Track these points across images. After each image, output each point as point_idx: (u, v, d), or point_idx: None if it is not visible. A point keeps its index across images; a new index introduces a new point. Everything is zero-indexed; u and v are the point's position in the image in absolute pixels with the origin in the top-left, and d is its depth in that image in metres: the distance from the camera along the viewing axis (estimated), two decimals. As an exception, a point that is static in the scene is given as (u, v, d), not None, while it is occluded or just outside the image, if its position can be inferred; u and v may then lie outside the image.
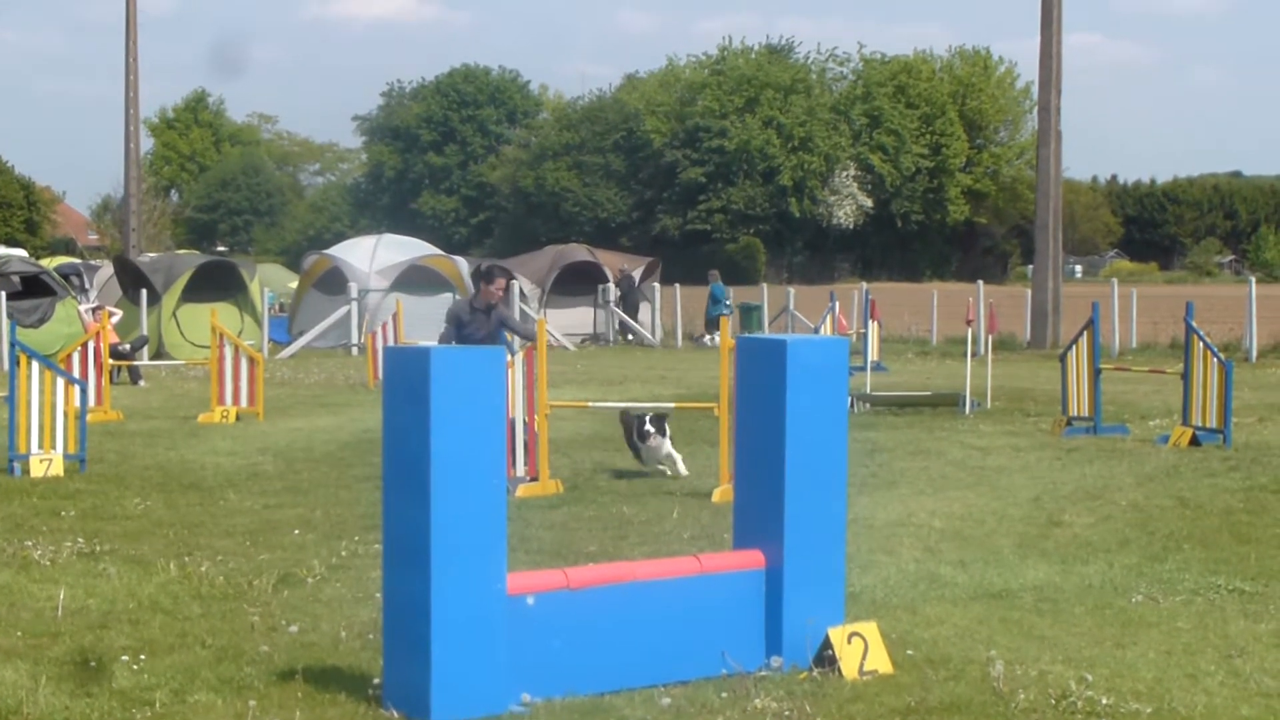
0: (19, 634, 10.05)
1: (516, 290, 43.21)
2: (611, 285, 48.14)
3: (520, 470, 16.33)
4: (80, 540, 13.50)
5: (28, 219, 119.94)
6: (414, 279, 43.75)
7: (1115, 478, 16.95)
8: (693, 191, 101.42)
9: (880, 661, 8.94)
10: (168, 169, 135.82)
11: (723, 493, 15.28)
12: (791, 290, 48.33)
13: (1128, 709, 8.24)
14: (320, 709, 8.26)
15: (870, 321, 32.76)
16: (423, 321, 37.55)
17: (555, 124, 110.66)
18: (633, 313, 48.10)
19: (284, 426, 23.23)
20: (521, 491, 15.79)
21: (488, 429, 8.32)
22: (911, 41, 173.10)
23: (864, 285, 48.97)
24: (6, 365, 28.85)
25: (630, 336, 47.41)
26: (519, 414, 16.38)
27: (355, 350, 41.29)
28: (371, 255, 44.98)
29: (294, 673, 8.89)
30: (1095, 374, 21.21)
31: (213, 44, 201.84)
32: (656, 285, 49.67)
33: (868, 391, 25.66)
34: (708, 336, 47.08)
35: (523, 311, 35.70)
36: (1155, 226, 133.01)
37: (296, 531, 14.05)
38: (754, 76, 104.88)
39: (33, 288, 39.00)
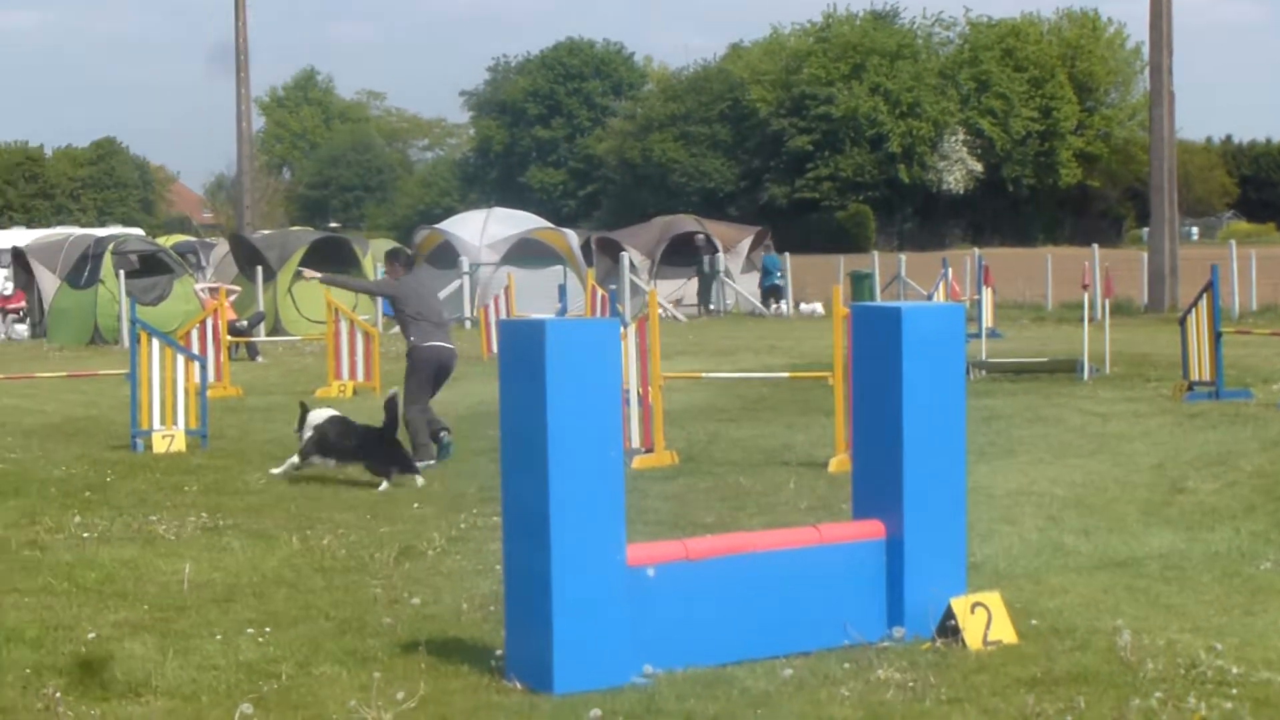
0: (146, 607, 10.17)
1: (626, 261, 43.21)
2: (721, 255, 48.00)
3: (636, 442, 16.34)
4: (204, 515, 13.65)
5: (143, 198, 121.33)
6: (524, 252, 43.84)
7: (1239, 443, 16.72)
8: (800, 160, 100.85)
9: (1004, 632, 8.87)
10: (279, 147, 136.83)
11: (839, 462, 15.22)
12: (903, 257, 48.06)
13: (1258, 678, 8.12)
14: (443, 680, 8.30)
15: (984, 287, 32.51)
16: (534, 294, 37.66)
17: (660, 95, 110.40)
18: (711, 285, 47.86)
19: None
20: (637, 463, 15.81)
21: (603, 400, 8.32)
22: (1018, 4, 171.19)
23: (976, 251, 48.70)
24: (127, 343, 29.20)
25: (712, 306, 47.10)
26: (633, 386, 16.40)
27: (468, 324, 41.45)
28: (482, 229, 45.13)
29: (417, 644, 8.94)
30: (1216, 337, 20.94)
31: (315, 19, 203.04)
32: (777, 256, 49.62)
33: (983, 359, 25.48)
34: (772, 305, 46.97)
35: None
36: (1272, 186, 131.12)
37: (415, 505, 14.13)
38: (859, 43, 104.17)
39: (150, 266, 39.43)
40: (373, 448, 15.36)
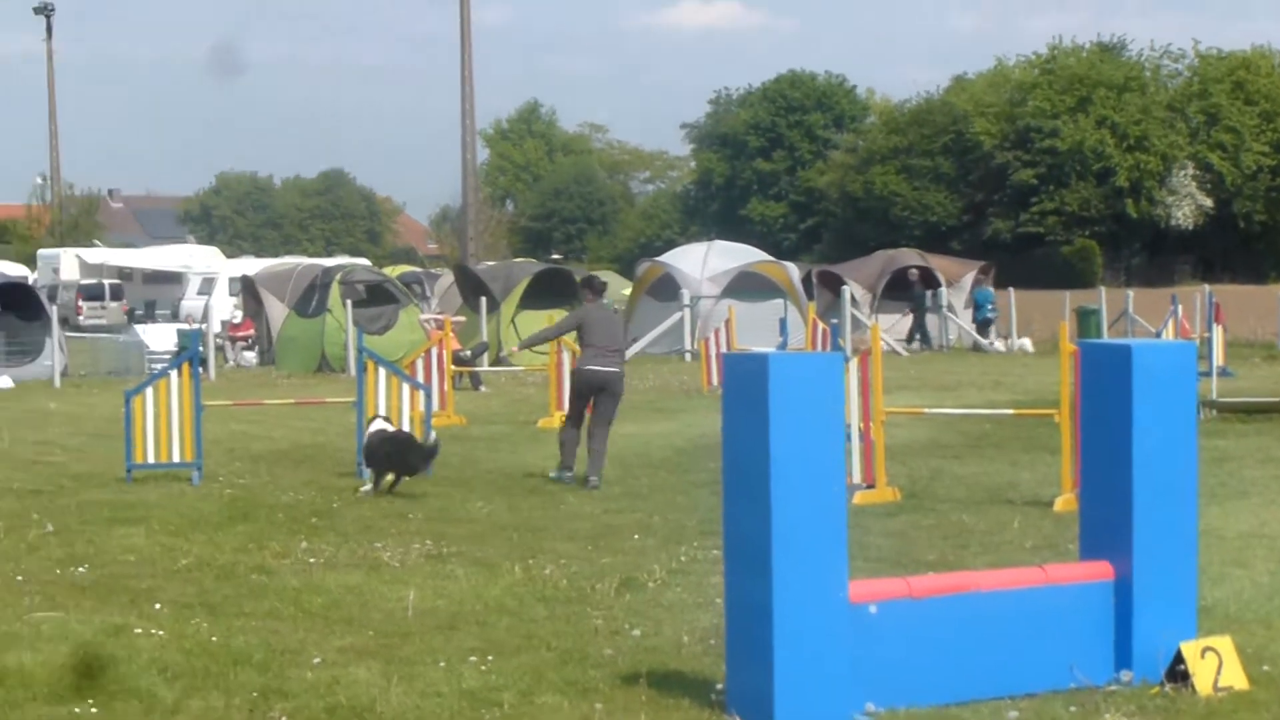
0: (371, 633, 10.34)
1: (847, 295, 43.07)
2: (944, 290, 47.63)
3: (857, 477, 16.27)
4: (428, 542, 13.83)
5: (370, 229, 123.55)
6: (744, 285, 43.84)
7: None
8: (1024, 194, 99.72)
9: (1235, 677, 8.69)
10: (503, 179, 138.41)
11: (1065, 501, 15.03)
12: (1130, 294, 47.31)
13: None
14: (664, 713, 8.32)
15: (1214, 325, 31.89)
16: (754, 327, 37.63)
17: (883, 128, 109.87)
18: (923, 320, 47.42)
19: (620, 432, 23.39)
20: (859, 499, 15.73)
21: (826, 434, 8.32)
22: (1249, 36, 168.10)
23: (1206, 288, 47.72)
24: (354, 371, 29.66)
25: (917, 341, 46.61)
26: (854, 420, 16.33)
27: (688, 356, 41.54)
28: (703, 262, 45.23)
29: (638, 676, 8.97)
30: None
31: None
32: (990, 290, 49.06)
33: (1214, 398, 24.98)
34: (986, 341, 46.42)
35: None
36: None
37: (636, 536, 14.20)
38: (1085, 75, 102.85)
39: (376, 296, 40.06)
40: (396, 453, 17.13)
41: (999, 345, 46.36)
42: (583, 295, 18.98)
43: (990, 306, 48.00)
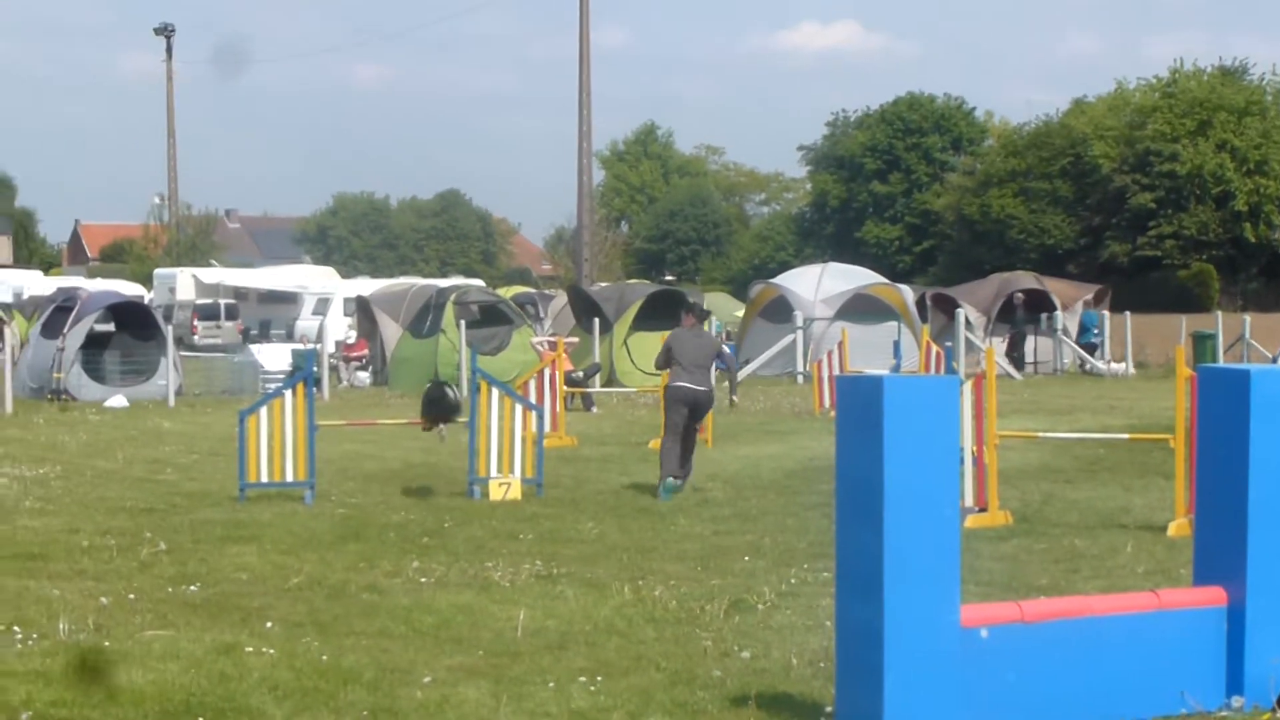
0: (480, 653, 10.39)
1: (961, 318, 42.86)
2: (1059, 313, 47.32)
3: (969, 500, 16.20)
4: (538, 562, 13.89)
5: (485, 250, 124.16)
6: (858, 307, 43.75)
7: None
8: (1142, 217, 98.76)
9: (1351, 705, 8.60)
10: (618, 200, 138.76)
11: (1179, 526, 14.92)
12: (1247, 318, 46.90)
13: None
14: (773, 735, 8.32)
15: (1334, 351, 31.53)
16: (868, 349, 37.54)
17: (1000, 150, 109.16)
18: (1019, 342, 47.07)
19: (731, 453, 23.49)
20: (970, 522, 15.66)
21: (940, 458, 8.30)
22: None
23: None
24: (468, 391, 29.86)
25: (1010, 363, 46.33)
26: (968, 444, 16.27)
27: (800, 378, 41.47)
28: (817, 284, 45.17)
29: (746, 698, 8.98)
30: None
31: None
32: (1106, 314, 48.70)
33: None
34: (1098, 364, 45.98)
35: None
36: None
37: (746, 558, 14.19)
38: (1206, 99, 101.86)
39: (490, 317, 40.26)
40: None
41: (1100, 367, 46.00)
42: (683, 318, 20.42)
43: (1095, 330, 47.64)
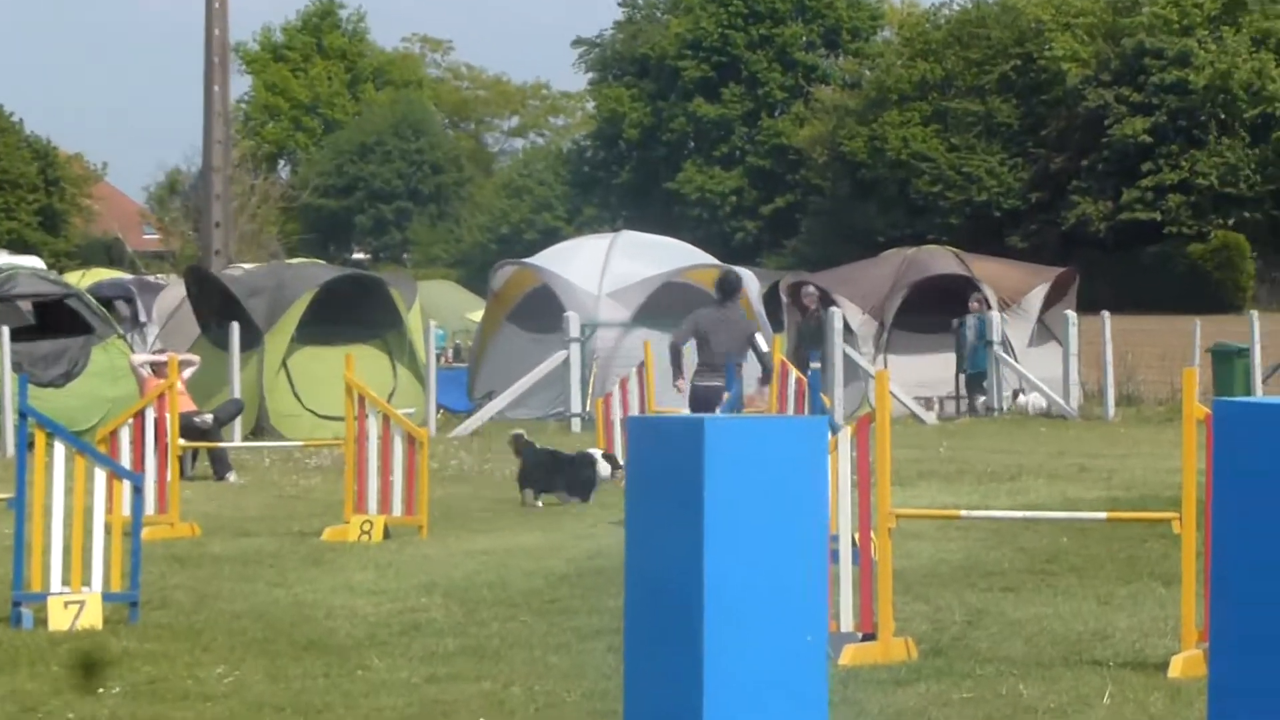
0: None
1: (839, 321, 43.26)
2: (995, 315, 47.75)
3: (848, 622, 16.37)
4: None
5: (45, 207, 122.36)
6: (670, 305, 43.87)
7: None
8: (1130, 158, 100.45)
9: None
10: (273, 127, 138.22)
11: (1187, 662, 15.16)
12: (1304, 322, 47.77)
13: None
14: None
15: None
16: (686, 374, 37.81)
17: (903, 49, 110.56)
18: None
19: (461, 548, 23.52)
20: (850, 656, 15.83)
21: (797, 550, 8.41)
22: None
23: None
24: (11, 450, 29.49)
25: (980, 403, 46.86)
26: (845, 528, 16.44)
27: (577, 422, 41.62)
28: (602, 267, 45.32)
29: None
30: None
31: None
32: (1070, 314, 49.15)
33: None
34: (980, 399, 46.69)
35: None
36: None
37: (482, 720, 14.26)
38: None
39: (55, 320, 39.74)
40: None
41: (996, 403, 46.66)
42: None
43: (985, 343, 47.27)
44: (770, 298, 46.61)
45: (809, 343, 43.72)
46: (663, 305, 43.92)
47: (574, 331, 43.32)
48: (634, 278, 44.90)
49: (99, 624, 18.22)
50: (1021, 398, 46.99)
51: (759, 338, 23.53)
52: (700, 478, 8.22)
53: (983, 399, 46.89)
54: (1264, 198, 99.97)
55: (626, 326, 43.54)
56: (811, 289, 46.28)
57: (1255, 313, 52.75)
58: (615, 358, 42.16)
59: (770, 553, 8.31)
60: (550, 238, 77.09)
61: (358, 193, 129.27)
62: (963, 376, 47.30)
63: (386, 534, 24.79)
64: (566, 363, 43.14)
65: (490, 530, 25.15)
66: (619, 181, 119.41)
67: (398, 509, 25.25)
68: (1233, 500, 9.34)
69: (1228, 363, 46.01)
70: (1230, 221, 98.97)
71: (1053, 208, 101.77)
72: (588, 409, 40.97)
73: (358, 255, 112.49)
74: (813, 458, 8.60)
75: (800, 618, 8.40)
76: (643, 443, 8.67)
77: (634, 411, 31.28)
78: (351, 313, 41.88)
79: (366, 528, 24.84)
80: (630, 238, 49.09)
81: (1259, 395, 38.96)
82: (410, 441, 25.44)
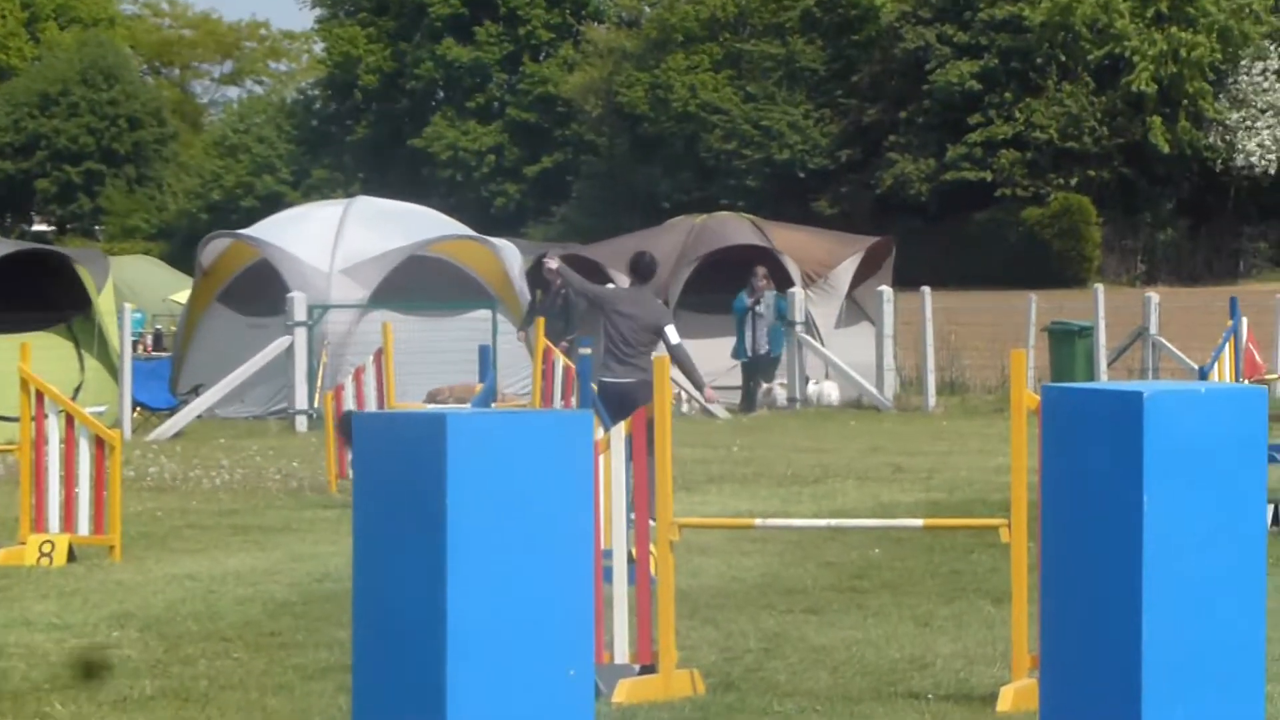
0: None
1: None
2: (797, 293, 47.95)
3: (622, 652, 16.36)
4: None
5: None
6: (416, 282, 43.91)
7: None
8: (956, 108, 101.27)
9: None
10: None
11: (1017, 693, 15.26)
12: (1153, 296, 48.13)
13: None
14: None
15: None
16: (435, 364, 37.76)
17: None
18: (759, 360, 47.45)
19: (162, 573, 23.38)
20: (624, 694, 15.83)
21: (558, 567, 8.42)
22: None
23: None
24: None
25: (763, 398, 47.02)
26: (620, 541, 16.44)
27: (303, 420, 41.55)
28: (334, 240, 45.25)
29: None
30: None
31: None
32: (886, 290, 49.35)
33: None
34: (763, 389, 46.87)
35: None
36: None
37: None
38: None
39: None
40: None
41: (780, 394, 46.86)
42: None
43: (784, 321, 47.43)
44: (534, 275, 46.52)
45: (554, 324, 43.74)
46: (406, 284, 43.90)
47: (300, 314, 43.20)
48: (372, 251, 44.85)
49: None
50: (812, 386, 47.09)
51: (670, 330, 24.15)
52: (442, 485, 8.19)
53: (767, 387, 46.95)
54: (1111, 153, 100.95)
55: (363, 308, 43.46)
56: (552, 262, 45.76)
57: (1100, 286, 53.04)
58: (349, 345, 42.09)
59: (526, 573, 8.30)
60: (272, 205, 77.06)
61: (38, 153, 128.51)
62: (742, 363, 47.42)
63: (72, 556, 24.59)
64: (290, 351, 43.02)
65: (197, 551, 25.01)
66: (354, 138, 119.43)
67: (84, 527, 25.04)
68: (1065, 503, 9.39)
69: (1067, 344, 46.32)
70: (1072, 181, 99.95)
71: (866, 167, 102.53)
72: (316, 405, 40.87)
73: (39, 227, 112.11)
74: (578, 458, 8.58)
75: (563, 649, 8.38)
76: (373, 443, 8.62)
77: (371, 407, 31.22)
78: (29, 295, 41.58)
79: (47, 549, 24.64)
80: (368, 205, 49.08)
81: (1104, 381, 39.21)
82: (100, 446, 25.22)
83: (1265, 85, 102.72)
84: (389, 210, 48.75)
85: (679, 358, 24.42)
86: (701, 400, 26.33)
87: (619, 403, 22.82)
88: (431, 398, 37.10)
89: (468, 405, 26.06)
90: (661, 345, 26.05)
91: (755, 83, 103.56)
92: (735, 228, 51.20)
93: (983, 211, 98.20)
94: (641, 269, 26.27)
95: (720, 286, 47.77)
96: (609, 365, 24.33)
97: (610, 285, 25.60)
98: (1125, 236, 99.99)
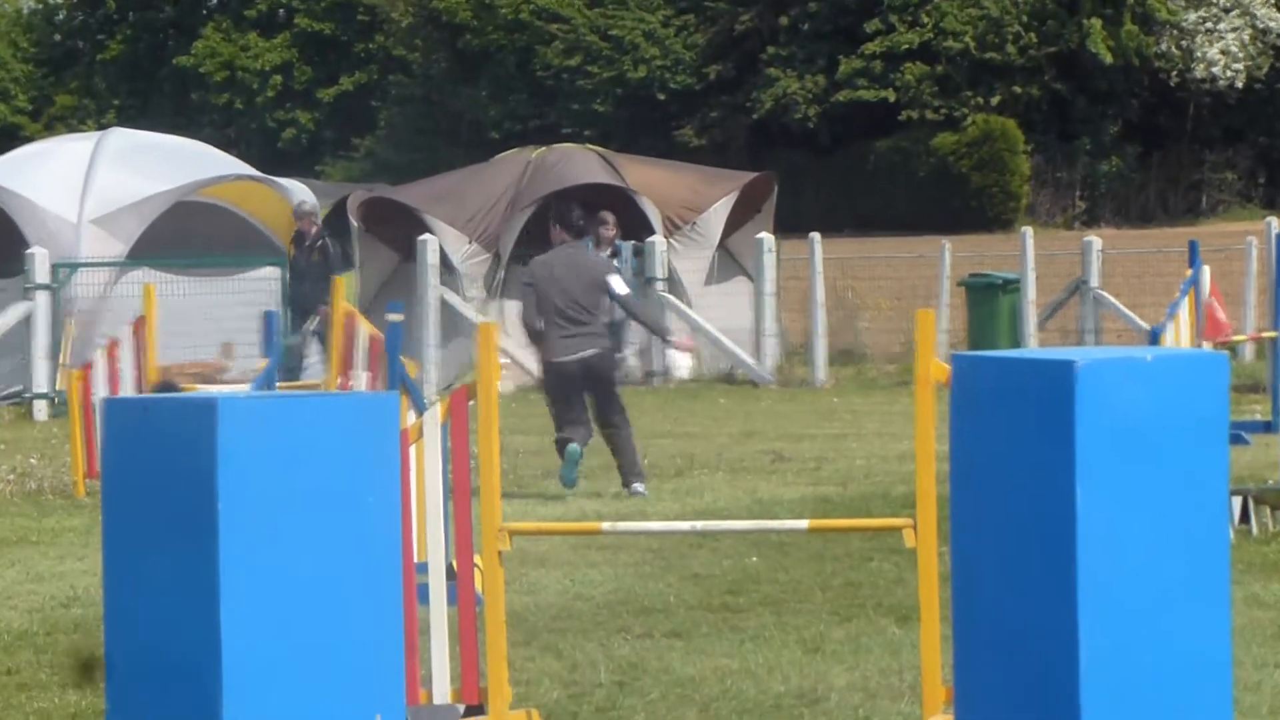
0: None
1: (430, 253, 43.37)
2: (657, 242, 48.03)
3: (442, 690, 16.40)
4: None
5: None
6: (184, 235, 43.89)
7: None
8: (850, 13, 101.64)
9: None
10: None
11: (931, 731, 15.35)
12: (1095, 241, 48.37)
13: None
14: None
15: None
16: (207, 333, 37.80)
17: None
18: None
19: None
20: (449, 738, 15.88)
21: (360, 584, 8.43)
22: None
23: (1273, 221, 48.77)
24: None
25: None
26: (434, 554, 16.46)
27: (43, 406, 41.51)
28: (83, 182, 45.20)
29: None
30: None
31: None
32: (766, 238, 49.50)
33: (1272, 483, 25.60)
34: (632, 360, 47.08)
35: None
36: None
37: None
38: None
39: None
40: None
41: (634, 366, 46.90)
42: (551, 232, 26.20)
43: (647, 278, 47.53)
44: (335, 221, 46.50)
45: (303, 285, 43.65)
46: (173, 236, 43.85)
47: (41, 275, 43.15)
48: (131, 197, 44.81)
49: None
50: (671, 354, 47.09)
51: (615, 280, 24.70)
52: (212, 485, 8.20)
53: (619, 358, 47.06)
54: (1041, 65, 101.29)
55: (120, 266, 43.39)
56: (307, 204, 45.35)
57: (1029, 229, 53.24)
58: (103, 312, 42.04)
59: (320, 593, 8.33)
60: (6, 140, 76.88)
61: None
62: None
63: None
64: (29, 320, 42.97)
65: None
66: (107, 56, 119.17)
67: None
68: (980, 498, 9.43)
69: (989, 301, 46.38)
70: (993, 101, 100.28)
71: (740, 87, 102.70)
72: (59, 387, 40.82)
73: None
74: (383, 450, 8.60)
75: (367, 687, 8.42)
76: (128, 434, 8.61)
77: (128, 390, 31.17)
78: None
79: None
80: (125, 139, 49.04)
81: (1033, 347, 39.37)
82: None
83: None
84: (151, 145, 48.74)
85: (631, 309, 25.29)
86: (676, 350, 26.52)
87: (584, 382, 24.32)
88: (164, 384, 36.08)
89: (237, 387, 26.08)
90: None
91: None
92: (580, 163, 51.19)
93: (884, 140, 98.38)
94: (573, 223, 27.01)
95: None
96: (562, 342, 24.79)
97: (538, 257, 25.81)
98: (1059, 168, 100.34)
